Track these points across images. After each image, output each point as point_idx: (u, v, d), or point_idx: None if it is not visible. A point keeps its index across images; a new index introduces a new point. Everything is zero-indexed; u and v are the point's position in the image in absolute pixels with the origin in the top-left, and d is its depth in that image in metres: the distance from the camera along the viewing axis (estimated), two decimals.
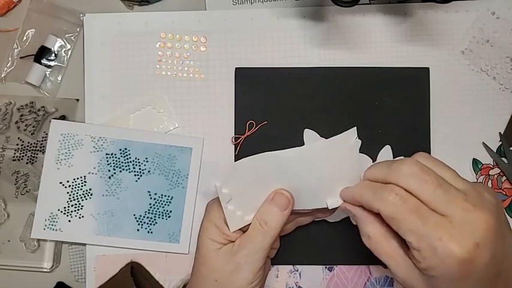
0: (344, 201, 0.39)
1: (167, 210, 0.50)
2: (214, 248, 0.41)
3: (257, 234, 0.40)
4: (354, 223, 0.50)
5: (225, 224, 0.41)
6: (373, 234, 0.36)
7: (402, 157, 0.37)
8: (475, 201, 0.32)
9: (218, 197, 0.41)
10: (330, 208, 0.41)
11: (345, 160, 0.40)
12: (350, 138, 0.40)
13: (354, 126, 0.50)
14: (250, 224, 0.41)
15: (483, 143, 0.51)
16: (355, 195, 0.37)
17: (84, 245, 0.50)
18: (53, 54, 0.52)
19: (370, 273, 0.50)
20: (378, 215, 0.35)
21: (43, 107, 0.52)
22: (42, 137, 0.51)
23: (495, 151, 0.51)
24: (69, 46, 0.52)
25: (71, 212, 0.49)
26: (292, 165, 0.40)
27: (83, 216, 0.49)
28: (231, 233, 0.41)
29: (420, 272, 0.34)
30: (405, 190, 0.33)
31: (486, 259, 0.31)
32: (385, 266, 0.51)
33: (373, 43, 0.52)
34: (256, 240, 0.40)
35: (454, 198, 0.32)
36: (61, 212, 0.49)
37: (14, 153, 0.51)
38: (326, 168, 0.40)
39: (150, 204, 0.50)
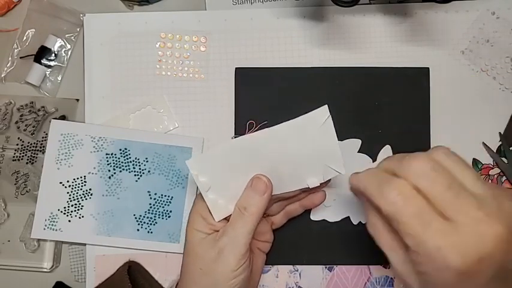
0: (350, 188, 0.38)
1: (167, 210, 0.50)
2: (199, 237, 0.41)
3: (237, 220, 0.41)
4: (355, 223, 0.50)
5: (210, 214, 0.42)
6: (375, 225, 0.34)
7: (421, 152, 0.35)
8: (491, 210, 0.29)
9: None
10: (310, 187, 0.42)
11: (321, 138, 0.41)
12: (322, 115, 0.40)
13: (354, 125, 0.50)
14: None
15: (483, 143, 0.51)
16: (360, 185, 0.34)
17: (84, 245, 0.50)
18: (53, 54, 0.52)
19: (370, 273, 0.50)
20: None
21: (43, 107, 0.52)
22: (42, 137, 0.51)
23: (495, 151, 0.51)
24: (69, 46, 0.52)
25: (71, 212, 0.49)
26: (266, 146, 0.41)
27: (83, 216, 0.49)
28: (216, 223, 0.42)
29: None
30: (414, 187, 0.31)
31: (490, 273, 0.29)
32: (385, 266, 0.51)
33: (373, 43, 0.52)
34: (236, 226, 0.40)
35: (466, 203, 0.29)
36: (61, 212, 0.49)
37: (14, 153, 0.51)
38: (300, 146, 0.41)
39: (150, 204, 0.50)
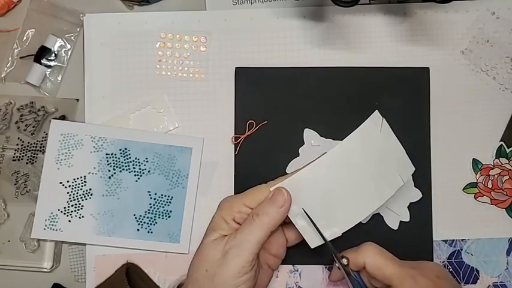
0: None
1: (167, 210, 0.50)
2: (213, 238, 0.41)
3: (247, 226, 0.40)
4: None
5: (233, 221, 0.41)
6: None
7: None
8: None
9: (231, 195, 0.43)
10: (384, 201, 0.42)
11: (384, 143, 0.42)
12: (377, 120, 0.42)
13: (354, 125, 0.50)
14: (327, 240, 0.42)
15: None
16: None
17: (84, 245, 0.50)
18: (53, 54, 0.52)
19: None
20: None
21: (43, 107, 0.52)
22: (42, 137, 0.51)
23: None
24: (69, 46, 0.52)
25: (71, 212, 0.49)
26: (340, 166, 0.41)
27: (83, 216, 0.49)
28: (236, 226, 0.41)
29: None
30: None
31: None
32: None
33: (373, 43, 0.52)
34: (244, 232, 0.40)
35: None
36: (61, 212, 0.49)
37: (14, 153, 0.51)
38: (371, 154, 0.41)
39: (150, 204, 0.50)
